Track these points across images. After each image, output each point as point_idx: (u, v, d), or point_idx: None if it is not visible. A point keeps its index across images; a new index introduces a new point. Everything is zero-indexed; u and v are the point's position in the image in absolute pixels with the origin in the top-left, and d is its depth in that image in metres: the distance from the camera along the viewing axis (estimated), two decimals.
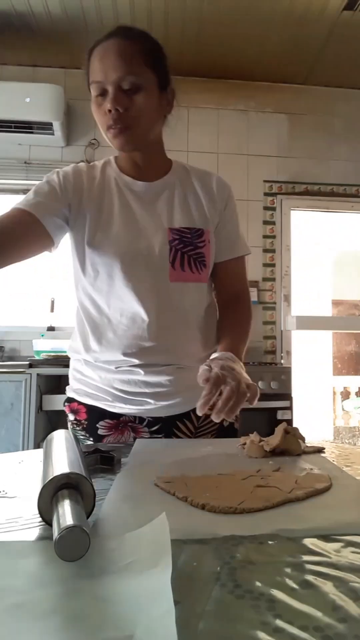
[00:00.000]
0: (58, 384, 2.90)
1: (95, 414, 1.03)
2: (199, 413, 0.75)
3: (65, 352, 2.74)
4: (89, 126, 3.25)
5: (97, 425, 1.02)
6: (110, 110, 0.91)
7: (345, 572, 0.38)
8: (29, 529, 0.48)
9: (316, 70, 3.21)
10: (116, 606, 0.34)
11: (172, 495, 0.57)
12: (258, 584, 0.36)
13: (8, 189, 3.19)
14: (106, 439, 1.02)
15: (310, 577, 0.37)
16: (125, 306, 0.99)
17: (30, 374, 2.51)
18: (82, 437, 1.04)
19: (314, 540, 0.44)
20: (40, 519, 0.48)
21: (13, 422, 2.48)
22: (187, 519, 0.50)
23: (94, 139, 3.24)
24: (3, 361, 2.83)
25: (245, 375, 0.84)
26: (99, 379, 1.02)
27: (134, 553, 0.40)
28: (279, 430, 0.79)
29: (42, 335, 2.96)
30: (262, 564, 0.40)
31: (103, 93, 0.92)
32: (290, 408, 2.64)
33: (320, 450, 0.81)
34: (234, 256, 1.09)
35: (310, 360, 6.18)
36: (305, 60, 3.12)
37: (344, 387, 6.72)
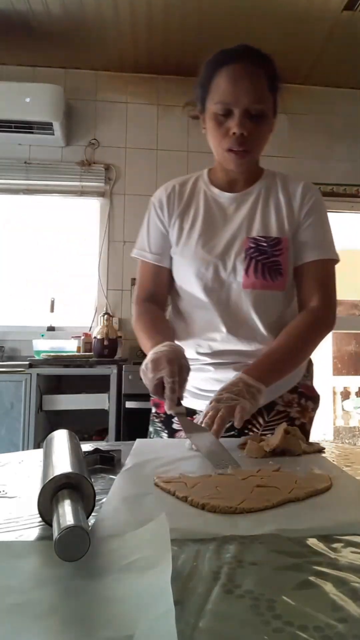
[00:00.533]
0: (58, 384, 2.91)
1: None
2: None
3: (65, 352, 2.75)
4: (88, 126, 3.25)
5: (173, 419, 1.09)
6: (234, 133, 0.96)
7: (345, 572, 0.38)
8: (29, 529, 0.48)
9: (316, 70, 3.21)
10: (116, 606, 0.34)
11: (172, 495, 0.57)
12: (258, 584, 0.36)
13: (8, 189, 3.19)
14: (178, 434, 1.07)
15: (310, 577, 0.37)
16: (199, 311, 1.07)
17: (30, 374, 2.51)
18: (159, 427, 1.13)
19: (314, 540, 0.44)
20: (40, 519, 0.48)
21: (13, 422, 2.48)
22: (187, 519, 0.50)
23: (94, 139, 3.24)
24: (3, 361, 2.83)
25: (247, 401, 0.86)
26: None
27: (134, 553, 0.40)
28: (279, 430, 0.79)
29: (42, 335, 2.96)
30: (262, 564, 0.40)
31: (227, 114, 0.97)
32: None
33: (320, 450, 0.81)
34: (308, 260, 1.06)
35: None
36: (305, 60, 3.12)
37: (344, 387, 6.71)
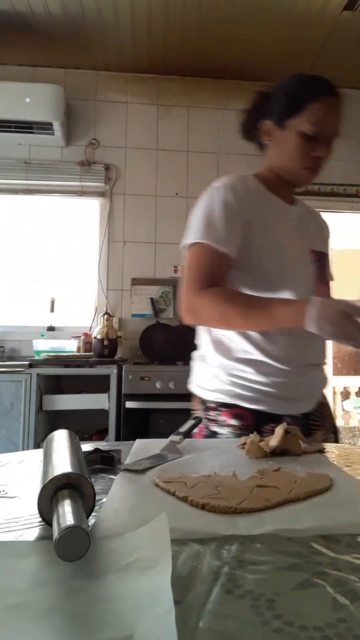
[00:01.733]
0: (58, 384, 2.91)
1: (261, 417, 1.04)
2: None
3: (65, 352, 2.75)
4: (88, 126, 3.25)
5: (262, 428, 1.00)
6: (319, 156, 1.08)
7: (345, 572, 0.38)
8: (29, 529, 0.48)
9: (316, 70, 3.20)
10: (116, 606, 0.34)
11: (172, 495, 0.57)
12: (258, 584, 0.36)
13: (8, 189, 3.19)
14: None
15: (310, 577, 0.37)
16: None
17: (30, 374, 2.51)
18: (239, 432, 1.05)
19: (314, 540, 0.44)
20: (40, 519, 0.48)
21: (13, 422, 2.48)
22: (187, 519, 0.50)
23: (94, 139, 3.24)
24: (3, 361, 2.83)
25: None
26: (254, 377, 1.08)
27: (133, 553, 0.40)
28: (279, 430, 0.79)
29: (42, 335, 2.96)
30: (262, 564, 0.40)
31: (315, 137, 1.07)
32: None
33: (320, 450, 0.81)
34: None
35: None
36: (305, 60, 3.12)
37: (344, 387, 6.71)
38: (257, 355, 1.05)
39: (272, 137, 1.12)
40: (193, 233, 1.05)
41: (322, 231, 1.26)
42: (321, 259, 1.17)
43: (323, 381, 1.17)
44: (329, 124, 1.08)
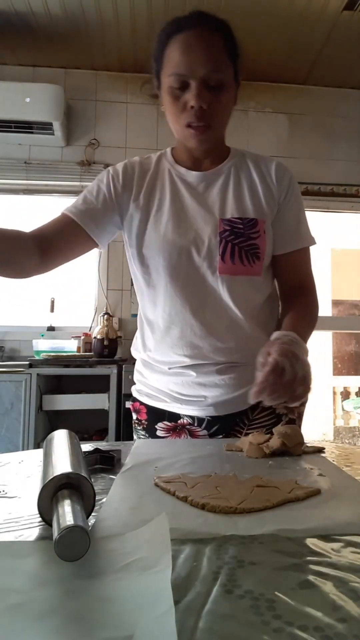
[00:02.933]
0: (58, 384, 2.91)
1: (155, 414, 1.03)
2: (251, 401, 0.73)
3: (65, 352, 2.75)
4: (89, 126, 3.25)
5: (156, 426, 1.03)
6: (192, 107, 0.88)
7: (345, 572, 0.38)
8: (29, 529, 0.48)
9: (316, 70, 3.21)
10: (116, 606, 0.34)
11: (172, 495, 0.57)
12: (258, 584, 0.36)
13: (8, 189, 3.19)
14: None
15: (310, 577, 0.37)
16: (172, 303, 0.98)
17: (30, 374, 2.51)
18: (142, 436, 1.06)
19: (314, 540, 0.44)
20: (40, 519, 0.48)
21: (13, 422, 2.48)
22: (187, 519, 0.50)
23: (94, 139, 3.24)
24: (3, 361, 2.83)
25: (307, 362, 0.80)
26: (156, 380, 1.03)
27: (133, 553, 0.40)
28: (278, 431, 0.79)
29: (42, 335, 2.96)
30: (262, 564, 0.40)
31: (183, 86, 0.88)
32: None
33: (320, 450, 0.81)
34: (295, 248, 1.02)
35: (310, 360, 6.16)
36: (305, 60, 3.12)
37: (344, 387, 6.72)
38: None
39: (162, 103, 0.96)
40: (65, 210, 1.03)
41: (267, 182, 1.00)
42: (234, 229, 0.96)
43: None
44: (192, 64, 0.86)
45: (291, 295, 1.03)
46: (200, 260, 0.96)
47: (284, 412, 1.00)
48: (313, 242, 1.05)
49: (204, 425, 0.99)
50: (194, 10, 0.92)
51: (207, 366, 0.97)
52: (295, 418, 1.01)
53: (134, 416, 1.09)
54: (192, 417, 1.00)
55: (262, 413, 0.99)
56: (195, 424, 1.00)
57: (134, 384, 1.11)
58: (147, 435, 1.05)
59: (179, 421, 1.01)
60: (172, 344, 0.98)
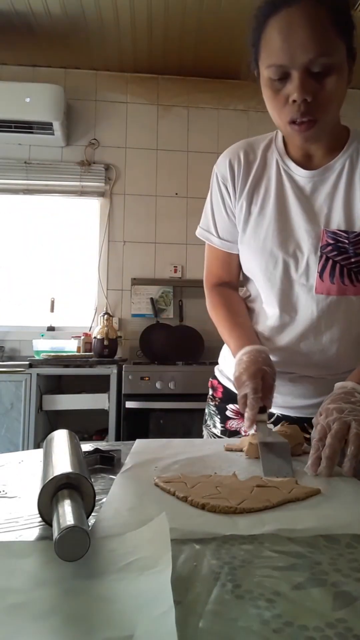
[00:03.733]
0: (58, 384, 2.91)
1: (230, 396, 1.04)
2: (310, 473, 0.65)
3: (65, 352, 2.75)
4: (89, 126, 3.25)
5: (227, 406, 1.05)
6: (294, 101, 0.75)
7: (345, 572, 0.38)
8: (29, 529, 0.48)
9: None
10: (116, 606, 0.34)
11: (172, 495, 0.57)
12: (258, 584, 0.36)
13: (8, 189, 3.19)
14: (229, 422, 1.05)
15: (310, 577, 0.37)
16: (265, 310, 0.96)
17: (30, 374, 2.52)
18: (213, 411, 1.09)
19: (314, 540, 0.44)
20: (40, 519, 0.48)
21: (13, 422, 2.48)
22: (187, 519, 0.50)
23: (94, 139, 3.25)
24: (3, 361, 2.83)
25: None
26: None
27: (133, 553, 0.40)
28: (278, 431, 0.79)
29: (42, 335, 2.96)
30: (262, 564, 0.40)
31: (284, 77, 0.75)
32: None
33: None
34: None
35: None
36: None
37: None
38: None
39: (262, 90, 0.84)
40: (199, 226, 1.04)
41: None
42: (338, 243, 0.86)
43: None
44: (292, 51, 0.72)
45: None
46: (297, 276, 0.89)
47: None
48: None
49: (272, 419, 0.98)
50: None
51: (287, 375, 0.96)
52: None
53: (210, 392, 1.12)
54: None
55: None
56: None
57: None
58: (217, 411, 1.08)
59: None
60: (266, 346, 0.94)
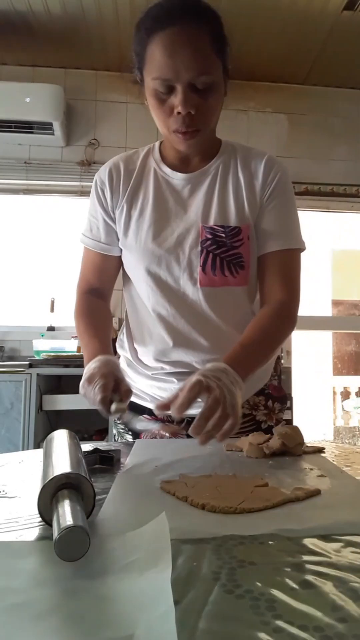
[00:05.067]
0: (58, 384, 2.91)
1: (136, 410, 1.03)
2: (156, 412, 0.72)
3: (65, 352, 2.75)
4: (88, 126, 3.25)
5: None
6: (179, 113, 0.82)
7: (345, 572, 0.38)
8: (29, 529, 0.48)
9: (316, 70, 3.21)
10: (116, 606, 0.34)
11: (172, 495, 0.57)
12: (258, 584, 0.36)
13: (8, 189, 3.19)
14: (143, 435, 1.01)
15: (310, 577, 0.37)
16: (155, 311, 0.96)
17: (30, 374, 2.51)
18: (122, 430, 1.07)
19: (314, 540, 0.44)
20: (40, 519, 0.48)
21: (13, 422, 2.48)
22: (187, 519, 0.50)
23: (94, 139, 3.24)
24: (3, 361, 2.83)
25: (234, 392, 0.71)
26: (139, 382, 1.02)
27: (134, 553, 0.40)
28: (278, 431, 0.79)
29: (42, 335, 2.96)
30: (262, 564, 0.40)
31: (169, 90, 0.82)
32: (290, 408, 2.64)
33: (320, 450, 0.81)
34: (270, 250, 0.94)
35: (310, 360, 6.18)
36: (305, 60, 3.11)
37: (344, 387, 6.72)
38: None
39: (145, 99, 0.90)
40: (81, 233, 1.07)
41: (253, 183, 0.95)
42: (216, 237, 0.92)
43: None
44: (177, 67, 0.79)
45: (264, 301, 0.96)
46: (180, 271, 0.93)
47: (263, 419, 1.01)
48: (298, 245, 0.97)
49: (183, 424, 0.99)
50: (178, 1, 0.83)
51: (189, 374, 0.95)
52: (273, 424, 1.02)
53: None
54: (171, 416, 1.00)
55: (243, 419, 0.97)
56: (175, 423, 0.99)
57: None
58: (126, 429, 1.06)
59: (159, 417, 1.01)
60: (155, 350, 0.97)
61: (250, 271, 0.95)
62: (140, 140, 3.47)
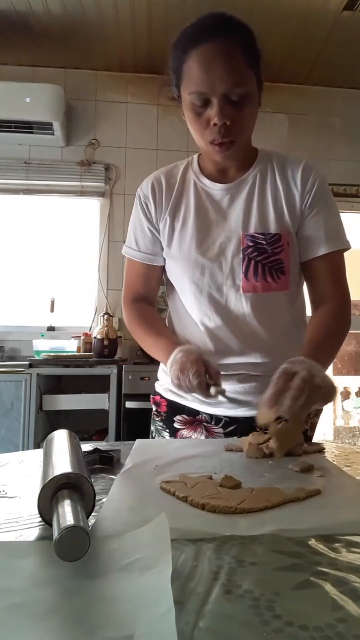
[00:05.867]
0: (58, 384, 2.91)
1: (175, 408, 1.06)
2: (261, 422, 0.72)
3: (65, 351, 2.75)
4: (89, 126, 3.25)
5: (174, 418, 1.06)
6: (215, 124, 0.86)
7: (345, 572, 0.38)
8: (29, 529, 0.48)
9: (316, 70, 3.21)
10: (116, 606, 0.34)
11: (172, 495, 0.57)
12: (258, 584, 0.36)
13: (8, 189, 3.19)
14: (179, 433, 1.05)
15: (310, 577, 0.37)
16: (198, 318, 1.00)
17: (30, 374, 2.52)
18: (160, 427, 1.09)
19: (314, 540, 0.44)
20: (40, 519, 0.48)
21: (13, 422, 2.48)
22: (187, 519, 0.50)
23: (94, 139, 3.24)
24: (3, 361, 2.83)
25: (322, 371, 0.76)
26: None
27: (134, 553, 0.40)
28: (279, 430, 0.79)
29: (42, 335, 2.96)
30: (262, 564, 0.40)
31: (205, 103, 0.86)
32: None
33: (320, 450, 0.81)
34: (318, 254, 0.97)
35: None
36: (305, 60, 3.12)
37: (344, 387, 6.71)
38: None
39: (183, 114, 0.94)
40: (124, 245, 1.10)
41: (291, 190, 0.97)
42: (257, 245, 0.95)
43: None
44: (212, 81, 0.83)
45: (319, 303, 1.00)
46: (223, 278, 0.97)
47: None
48: (344, 246, 0.99)
49: (221, 424, 1.01)
50: (209, 14, 0.89)
51: (229, 377, 0.98)
52: (308, 428, 1.03)
53: (154, 408, 1.12)
54: (210, 415, 1.02)
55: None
56: (213, 422, 1.02)
57: (157, 380, 1.14)
58: (164, 426, 1.08)
59: (197, 417, 1.03)
60: None
61: (290, 276, 0.97)
62: (141, 140, 3.48)
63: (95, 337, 2.77)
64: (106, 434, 2.61)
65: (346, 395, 6.58)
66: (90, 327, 3.13)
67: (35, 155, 3.18)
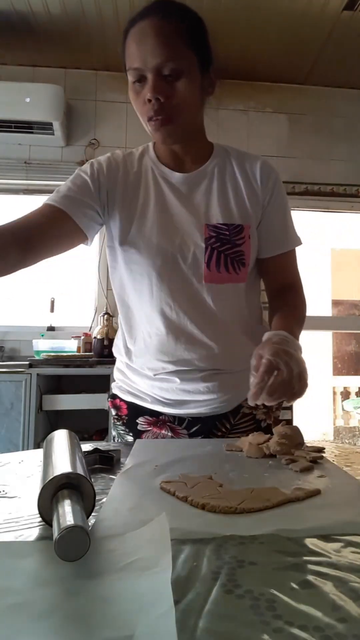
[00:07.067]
0: (58, 384, 2.91)
1: (136, 410, 1.03)
2: (251, 403, 0.73)
3: (65, 351, 2.75)
4: (89, 126, 3.25)
5: (137, 420, 1.03)
6: (149, 100, 0.85)
7: (345, 572, 0.38)
8: (29, 529, 0.48)
9: (316, 70, 3.21)
10: (116, 606, 0.34)
11: (172, 495, 0.57)
12: (258, 584, 0.36)
13: (8, 189, 3.19)
14: (145, 435, 1.02)
15: (310, 577, 0.37)
16: (157, 308, 0.96)
17: (30, 374, 2.51)
18: (122, 431, 1.06)
19: (314, 540, 0.44)
20: (40, 519, 0.48)
21: (13, 422, 2.48)
22: (187, 519, 0.50)
23: (94, 139, 3.24)
24: (3, 361, 2.83)
25: (301, 359, 0.78)
26: (139, 383, 1.02)
27: (134, 553, 0.40)
28: (278, 431, 0.79)
29: (42, 335, 2.96)
30: (262, 564, 0.40)
31: (141, 80, 0.86)
32: (290, 408, 2.64)
33: (320, 450, 0.81)
34: (282, 251, 1.01)
35: (310, 360, 6.17)
36: (305, 60, 3.11)
37: (344, 387, 6.72)
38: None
39: None
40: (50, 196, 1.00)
41: (252, 184, 0.98)
42: (220, 235, 0.94)
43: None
44: (144, 55, 0.83)
45: (279, 295, 1.03)
46: (186, 267, 0.95)
47: (263, 418, 1.03)
48: (299, 243, 1.04)
49: (184, 424, 1.00)
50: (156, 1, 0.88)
51: (192, 372, 0.96)
52: (271, 422, 1.03)
53: (113, 412, 1.09)
54: (173, 416, 1.00)
55: (244, 418, 1.01)
56: (176, 423, 1.00)
57: (113, 381, 1.11)
58: (126, 430, 1.05)
59: (160, 417, 1.01)
60: (156, 350, 0.97)
61: (248, 269, 0.98)
62: (141, 140, 3.46)
63: (95, 337, 2.78)
64: (106, 434, 2.61)
65: (346, 395, 6.58)
66: (90, 327, 3.13)
67: (35, 155, 3.18)
